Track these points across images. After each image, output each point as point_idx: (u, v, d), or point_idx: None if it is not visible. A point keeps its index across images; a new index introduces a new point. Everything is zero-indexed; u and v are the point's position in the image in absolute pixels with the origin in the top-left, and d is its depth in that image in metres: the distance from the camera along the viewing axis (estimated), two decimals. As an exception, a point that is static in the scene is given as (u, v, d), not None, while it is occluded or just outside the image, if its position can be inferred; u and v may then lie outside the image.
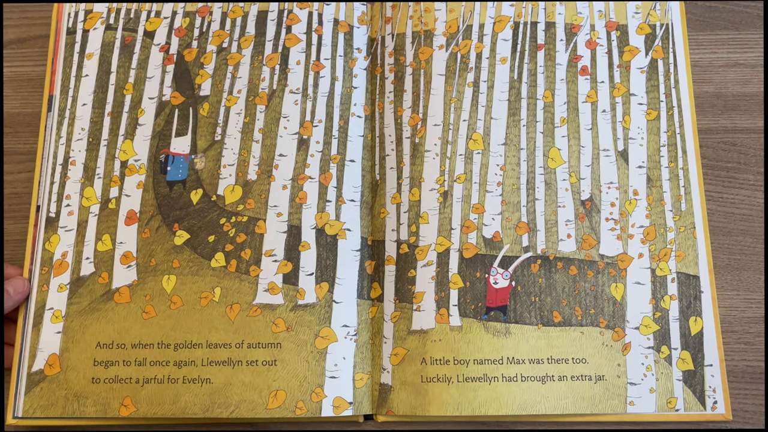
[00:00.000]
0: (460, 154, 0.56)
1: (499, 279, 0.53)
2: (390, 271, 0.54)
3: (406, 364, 0.52)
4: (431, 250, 0.54)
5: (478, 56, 0.58)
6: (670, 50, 0.59)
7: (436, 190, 0.55)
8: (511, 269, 0.54)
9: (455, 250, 0.54)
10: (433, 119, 0.57)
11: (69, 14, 0.60)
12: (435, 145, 0.56)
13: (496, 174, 0.56)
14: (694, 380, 0.52)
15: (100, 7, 0.60)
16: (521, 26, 0.59)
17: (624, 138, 0.57)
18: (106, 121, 0.57)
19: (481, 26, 0.59)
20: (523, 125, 0.57)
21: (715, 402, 0.52)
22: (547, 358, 0.52)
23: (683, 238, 0.54)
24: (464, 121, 0.57)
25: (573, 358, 0.52)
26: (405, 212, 0.55)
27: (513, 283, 0.53)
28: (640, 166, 0.56)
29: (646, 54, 0.59)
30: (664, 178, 0.56)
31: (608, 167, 0.56)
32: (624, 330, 0.53)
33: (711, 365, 0.52)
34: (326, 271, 0.54)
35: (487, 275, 0.54)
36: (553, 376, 0.52)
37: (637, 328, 0.53)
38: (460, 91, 0.57)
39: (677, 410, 0.51)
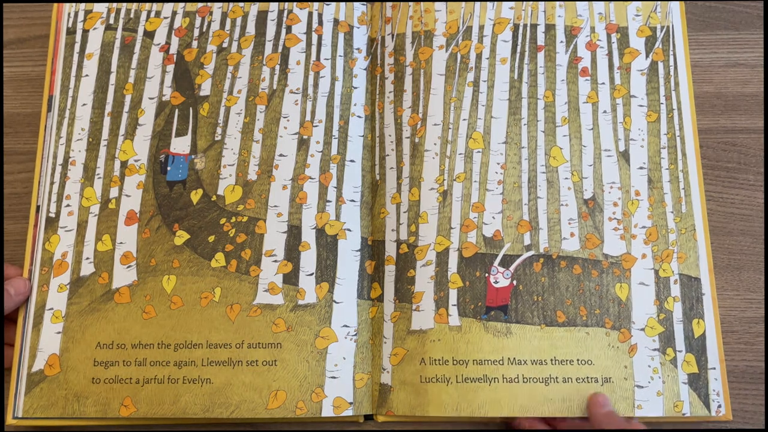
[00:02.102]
0: (460, 153, 0.56)
1: (500, 278, 0.53)
2: (390, 271, 0.54)
3: (405, 364, 0.52)
4: (430, 250, 0.54)
5: (478, 56, 0.58)
6: (671, 53, 0.59)
7: (436, 189, 0.55)
8: (512, 268, 0.54)
9: (454, 249, 0.54)
10: (432, 119, 0.57)
11: (69, 14, 0.60)
12: (435, 144, 0.56)
13: (496, 172, 0.56)
14: (698, 383, 0.51)
15: (100, 7, 0.60)
16: (521, 28, 0.59)
17: (625, 139, 0.57)
18: (106, 121, 0.57)
19: (481, 27, 0.59)
20: (524, 124, 0.57)
21: (720, 406, 0.51)
22: (551, 359, 0.52)
23: (684, 240, 0.54)
24: (464, 120, 0.57)
25: (578, 360, 0.52)
26: (405, 212, 0.55)
27: (514, 282, 0.53)
28: (641, 167, 0.56)
29: (647, 56, 0.59)
30: (665, 180, 0.56)
31: (610, 167, 0.56)
32: (630, 331, 0.52)
33: (714, 368, 0.52)
34: (326, 271, 0.53)
35: (487, 274, 0.53)
36: (557, 377, 0.51)
37: (642, 330, 0.52)
38: (460, 91, 0.57)
39: (684, 414, 0.51)
